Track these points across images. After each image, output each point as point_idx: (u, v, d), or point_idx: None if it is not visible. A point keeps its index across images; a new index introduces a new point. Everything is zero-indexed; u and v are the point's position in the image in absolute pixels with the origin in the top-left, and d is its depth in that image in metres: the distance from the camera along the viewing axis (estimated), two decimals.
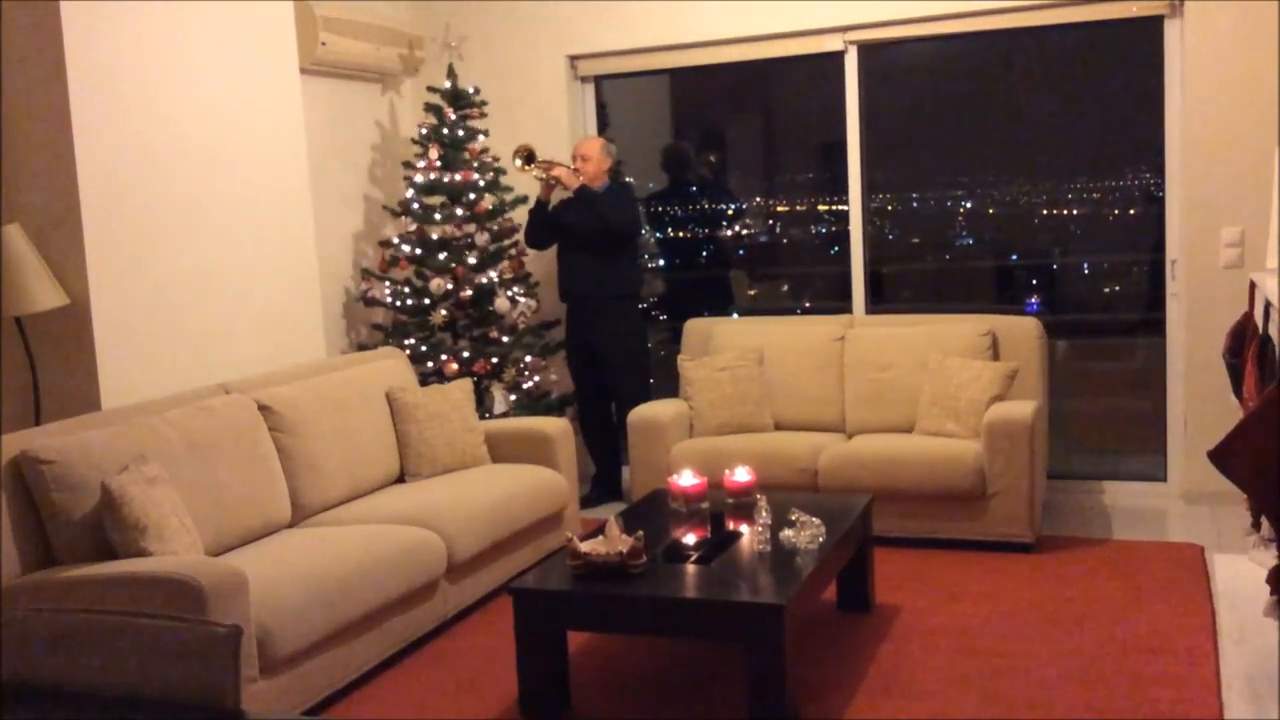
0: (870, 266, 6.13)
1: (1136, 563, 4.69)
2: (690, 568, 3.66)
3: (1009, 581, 4.56)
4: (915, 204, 6.54)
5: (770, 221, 6.96)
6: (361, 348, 6.06)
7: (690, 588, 3.52)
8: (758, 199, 7.02)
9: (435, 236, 5.86)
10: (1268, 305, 3.71)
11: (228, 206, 4.88)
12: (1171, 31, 5.42)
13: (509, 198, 6.08)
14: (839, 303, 6.23)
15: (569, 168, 5.88)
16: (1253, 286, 4.14)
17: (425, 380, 5.61)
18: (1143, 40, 5.54)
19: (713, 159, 7.19)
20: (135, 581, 3.31)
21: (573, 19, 6.28)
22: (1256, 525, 3.86)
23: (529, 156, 5.88)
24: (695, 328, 5.99)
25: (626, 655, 4.04)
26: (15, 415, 4.25)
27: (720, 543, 3.87)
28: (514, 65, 6.40)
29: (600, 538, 3.68)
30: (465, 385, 5.23)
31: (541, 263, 6.24)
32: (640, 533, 3.61)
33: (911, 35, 5.83)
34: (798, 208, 6.86)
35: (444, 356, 5.80)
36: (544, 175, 5.88)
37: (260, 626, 3.42)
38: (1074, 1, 5.48)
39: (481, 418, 5.44)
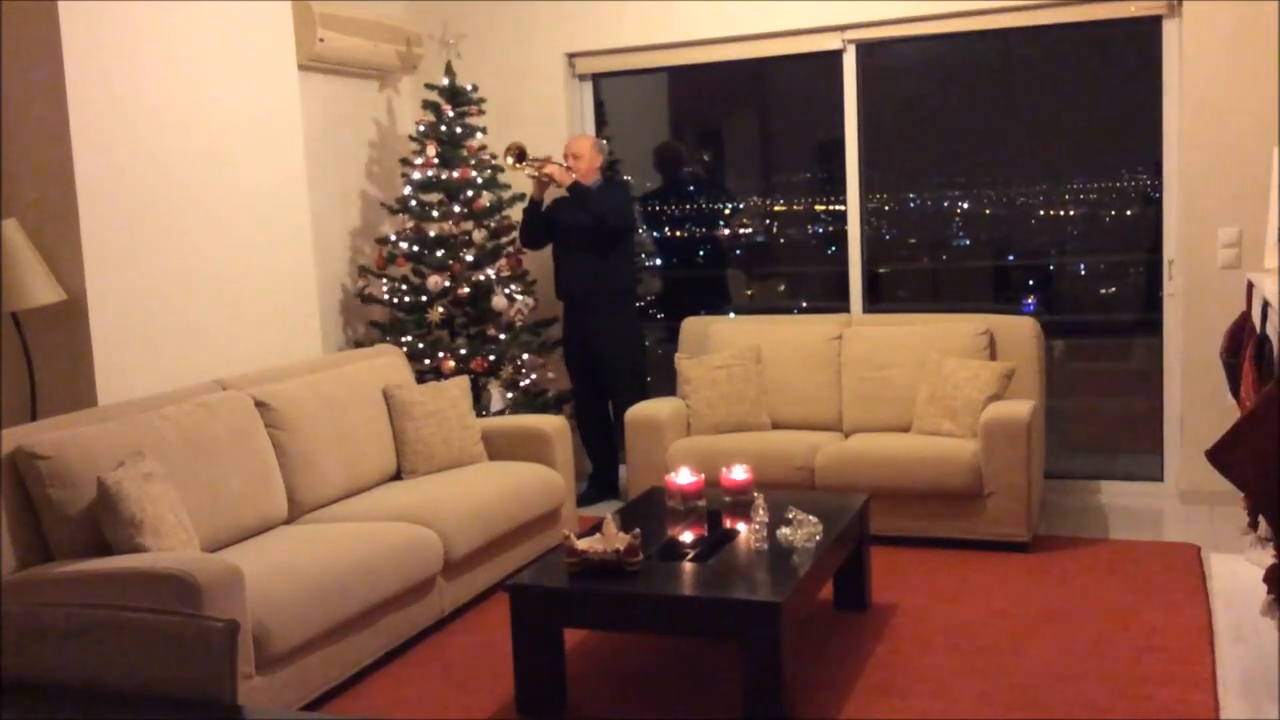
0: (868, 266, 6.13)
1: (1133, 562, 4.69)
2: (687, 566, 3.66)
3: (1005, 581, 4.56)
4: (912, 204, 6.54)
5: (768, 221, 6.96)
6: (358, 345, 6.05)
7: (687, 586, 3.52)
8: (755, 198, 7.01)
9: (433, 234, 5.86)
10: (1265, 305, 3.71)
11: (225, 203, 4.88)
12: (1169, 31, 5.42)
13: (506, 195, 6.08)
14: (836, 302, 6.23)
15: (561, 165, 5.87)
16: (1250, 287, 4.15)
17: (422, 378, 5.60)
18: (1141, 40, 5.55)
19: (706, 157, 7.19)
20: (131, 577, 3.31)
21: (571, 17, 6.27)
22: (1254, 525, 3.85)
23: (520, 154, 5.87)
24: (693, 326, 5.99)
25: (623, 653, 4.04)
26: (12, 411, 4.24)
27: (717, 541, 3.87)
28: (512, 63, 6.39)
29: (597, 535, 3.68)
30: (462, 383, 5.23)
31: (539, 260, 6.24)
32: (637, 531, 3.61)
33: (910, 34, 5.83)
34: (795, 207, 6.86)
35: (441, 354, 5.79)
36: (536, 173, 5.87)
37: (256, 623, 3.42)
38: (1072, 1, 5.48)
39: (478, 415, 5.44)
